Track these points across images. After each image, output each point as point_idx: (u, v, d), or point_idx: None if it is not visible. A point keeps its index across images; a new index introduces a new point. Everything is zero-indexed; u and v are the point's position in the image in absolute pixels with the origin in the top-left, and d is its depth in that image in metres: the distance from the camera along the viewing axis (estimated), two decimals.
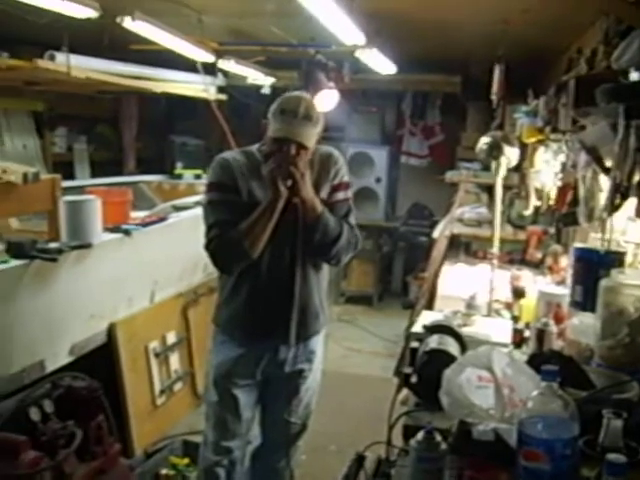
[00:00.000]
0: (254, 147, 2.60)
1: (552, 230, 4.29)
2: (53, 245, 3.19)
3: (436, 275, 4.72)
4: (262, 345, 2.60)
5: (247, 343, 2.60)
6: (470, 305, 3.14)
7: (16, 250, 3.01)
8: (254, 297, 2.54)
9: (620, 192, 2.08)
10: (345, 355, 5.82)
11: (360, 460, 2.03)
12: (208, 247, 2.47)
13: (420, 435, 1.53)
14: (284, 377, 2.66)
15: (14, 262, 2.98)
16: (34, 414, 2.59)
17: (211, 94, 5.94)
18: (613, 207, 2.16)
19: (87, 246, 3.36)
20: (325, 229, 2.46)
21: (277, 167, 2.36)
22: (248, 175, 2.50)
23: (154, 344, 4.05)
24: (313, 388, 2.77)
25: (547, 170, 4.04)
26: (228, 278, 2.60)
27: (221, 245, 2.44)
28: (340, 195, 2.60)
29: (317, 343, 2.72)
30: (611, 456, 1.14)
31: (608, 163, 2.23)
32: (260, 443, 2.84)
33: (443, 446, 1.52)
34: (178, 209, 4.73)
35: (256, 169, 2.49)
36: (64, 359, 3.33)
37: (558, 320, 2.50)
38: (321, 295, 2.67)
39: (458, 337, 2.16)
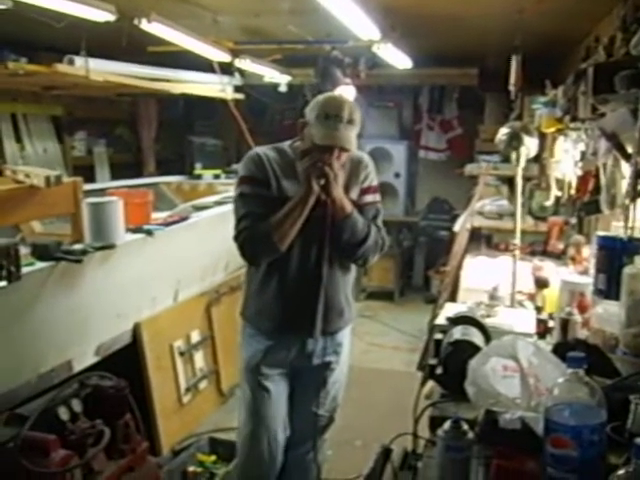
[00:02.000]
0: (286, 144, 2.65)
1: (573, 220, 4.27)
2: (77, 247, 3.22)
3: (458, 268, 4.71)
4: (289, 338, 2.65)
5: (275, 336, 2.66)
6: (493, 296, 3.12)
7: (41, 252, 3.05)
8: (282, 291, 2.60)
9: None
10: (367, 350, 5.82)
11: (387, 453, 2.04)
12: (237, 238, 2.54)
13: (447, 424, 1.53)
14: (312, 369, 2.71)
15: (40, 264, 3.01)
16: (63, 413, 2.62)
17: (228, 94, 5.96)
18: (635, 193, 2.14)
19: (111, 247, 3.40)
20: (353, 229, 2.53)
21: (312, 165, 2.41)
22: (279, 171, 2.55)
23: (178, 343, 4.08)
24: (340, 381, 2.83)
25: (567, 159, 4.01)
26: (256, 272, 2.65)
27: (250, 237, 2.49)
28: (369, 198, 2.67)
29: (344, 337, 2.77)
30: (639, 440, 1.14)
31: (629, 149, 2.22)
32: (288, 435, 2.85)
33: (470, 435, 1.53)
34: (198, 209, 4.77)
35: (287, 165, 2.56)
36: (91, 359, 3.37)
37: (582, 309, 2.49)
38: (347, 293, 2.74)
39: (482, 328, 2.15)
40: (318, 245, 2.56)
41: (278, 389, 2.72)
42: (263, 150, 2.60)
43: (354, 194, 2.62)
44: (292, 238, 2.49)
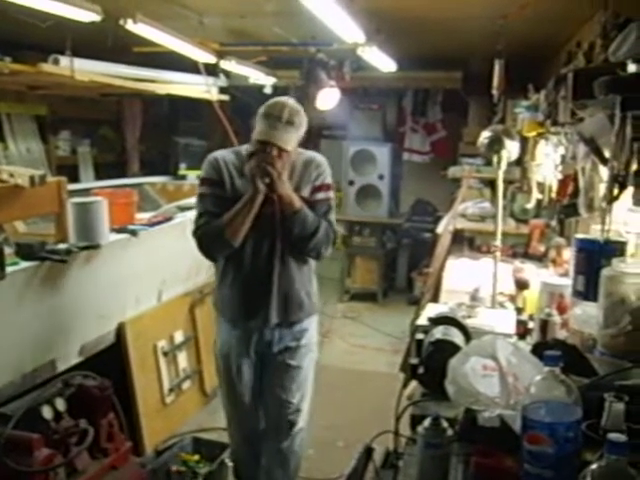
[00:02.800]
0: (244, 147, 2.87)
1: (554, 223, 4.31)
2: (62, 246, 3.23)
3: (441, 270, 4.75)
4: (248, 327, 2.87)
5: (237, 324, 2.91)
6: (474, 297, 3.16)
7: (26, 252, 3.05)
8: (238, 283, 2.84)
9: (618, 182, 2.11)
10: (350, 352, 5.85)
11: (368, 452, 2.07)
12: (195, 234, 2.78)
13: (427, 422, 1.56)
14: (274, 356, 2.92)
15: (24, 264, 3.01)
16: (47, 412, 2.63)
17: (213, 95, 5.96)
18: (612, 197, 2.19)
19: (95, 247, 3.40)
20: (303, 224, 2.72)
21: (257, 166, 2.63)
22: (234, 172, 2.79)
23: (162, 343, 4.09)
24: (305, 368, 2.98)
25: (548, 163, 4.06)
26: (218, 265, 2.92)
27: (205, 233, 2.74)
28: (321, 195, 2.85)
29: (306, 327, 2.96)
30: (612, 435, 1.16)
31: (606, 154, 2.26)
32: (264, 426, 3.05)
33: (449, 432, 1.56)
34: (183, 209, 4.77)
35: (242, 167, 2.78)
36: (74, 359, 3.37)
37: (561, 310, 2.53)
38: (306, 286, 2.92)
39: (463, 328, 2.18)
40: (270, 240, 2.78)
41: (246, 375, 2.94)
42: (221, 153, 2.86)
43: (306, 192, 2.81)
44: (244, 234, 2.71)
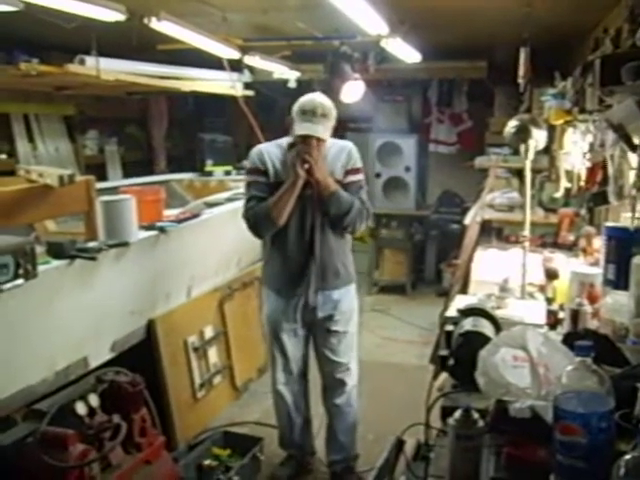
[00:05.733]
0: (284, 139, 3.29)
1: (584, 212, 4.26)
2: (92, 244, 3.26)
3: (469, 261, 4.71)
4: (294, 294, 3.31)
5: (282, 294, 3.35)
6: (503, 288, 3.13)
7: (56, 251, 3.08)
8: (283, 256, 3.28)
9: None
10: (380, 344, 5.84)
11: (399, 444, 2.07)
12: (245, 215, 3.23)
13: (457, 413, 1.56)
14: (319, 321, 3.36)
15: (55, 262, 3.05)
16: (80, 408, 2.66)
17: (238, 90, 5.99)
18: None
19: (124, 244, 3.43)
20: (338, 203, 3.14)
21: (297, 155, 3.10)
22: (276, 161, 3.23)
23: (192, 338, 4.12)
24: (349, 333, 3.43)
25: (576, 151, 4.02)
26: (266, 244, 3.37)
27: (254, 215, 3.18)
28: (352, 177, 3.27)
29: (343, 295, 3.37)
30: None
31: (635, 140, 2.23)
32: (322, 385, 3.55)
33: (480, 423, 1.55)
34: (210, 205, 4.79)
35: (283, 156, 3.24)
36: (106, 355, 3.41)
37: (592, 300, 2.50)
38: (342, 258, 3.35)
39: (492, 319, 2.17)
40: (310, 218, 3.22)
41: (292, 341, 3.41)
42: (265, 146, 3.33)
43: (339, 175, 3.23)
44: (288, 213, 3.14)
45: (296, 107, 3.12)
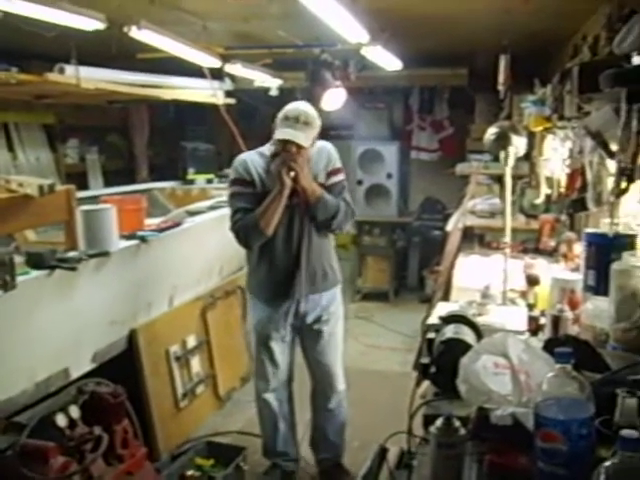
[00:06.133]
0: (265, 147, 3.27)
1: (564, 218, 4.29)
2: (72, 254, 3.24)
3: (451, 268, 4.73)
4: (283, 303, 3.29)
5: (271, 303, 3.33)
6: (485, 295, 3.15)
7: (36, 261, 3.06)
8: (273, 266, 3.26)
9: (626, 175, 2.10)
10: (363, 352, 5.83)
11: (383, 453, 2.06)
12: (233, 228, 3.19)
13: (439, 422, 1.56)
14: (309, 326, 3.37)
15: (35, 273, 3.02)
16: (61, 420, 2.64)
17: (219, 99, 5.98)
18: (620, 190, 2.17)
19: (105, 254, 3.41)
20: (325, 207, 3.16)
21: (282, 164, 3.06)
22: (261, 170, 3.20)
23: (174, 348, 4.10)
24: (335, 334, 3.47)
25: (556, 158, 4.04)
26: (252, 253, 3.32)
27: (242, 227, 3.15)
28: (334, 179, 3.29)
29: (331, 297, 3.40)
30: (624, 432, 1.15)
31: (613, 147, 2.25)
32: (312, 387, 3.59)
33: (462, 431, 1.55)
34: (192, 214, 4.78)
35: (267, 165, 3.20)
36: (87, 366, 3.38)
37: (573, 306, 2.52)
38: (329, 259, 3.38)
39: (474, 326, 2.17)
40: (299, 225, 3.21)
41: (280, 347, 3.40)
42: (248, 155, 3.28)
43: (321, 178, 3.24)
44: (276, 223, 3.12)
45: (280, 114, 3.11)
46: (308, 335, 3.43)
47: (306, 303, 3.30)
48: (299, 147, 3.03)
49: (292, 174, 3.04)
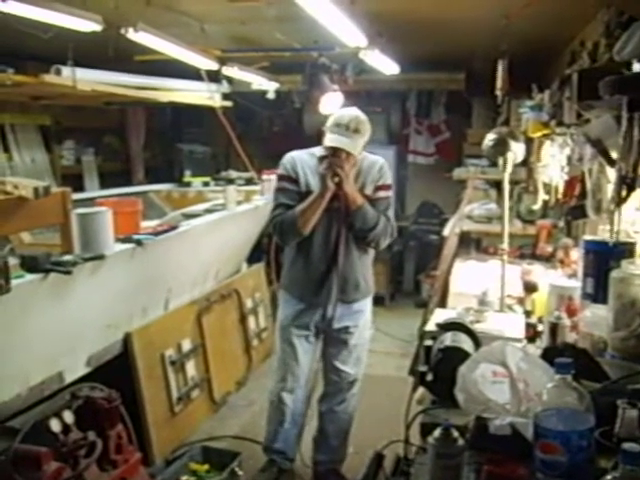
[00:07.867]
0: (317, 148, 3.30)
1: (562, 224, 4.29)
2: (67, 258, 3.20)
3: (448, 273, 4.73)
4: (313, 304, 3.34)
5: (303, 299, 3.37)
6: (482, 301, 3.14)
7: (30, 264, 3.02)
8: (307, 266, 3.31)
9: (626, 184, 2.09)
10: None
11: (379, 459, 2.05)
12: (272, 223, 3.28)
13: (437, 432, 1.54)
14: (334, 332, 3.39)
15: (29, 276, 2.99)
16: (55, 425, 2.62)
17: (216, 101, 5.97)
18: (620, 199, 2.16)
19: (100, 257, 3.38)
20: (364, 218, 3.17)
21: (328, 168, 3.10)
22: (308, 170, 3.25)
23: (170, 352, 4.07)
24: (361, 344, 3.50)
25: (554, 164, 4.04)
26: (289, 251, 3.40)
27: (280, 222, 3.22)
28: (381, 194, 3.29)
29: (362, 307, 3.43)
30: (626, 445, 1.14)
31: (613, 155, 2.24)
32: (323, 391, 3.60)
33: (460, 442, 1.54)
34: (188, 217, 4.76)
35: (315, 166, 3.24)
36: (82, 370, 3.36)
37: (571, 313, 2.50)
38: (363, 271, 3.38)
39: (471, 334, 2.17)
40: (336, 231, 3.24)
41: (303, 347, 3.42)
42: (298, 153, 3.33)
43: (369, 190, 3.25)
44: (313, 224, 3.17)
45: (330, 119, 3.16)
46: (332, 342, 3.46)
47: (334, 309, 3.31)
48: (347, 154, 3.08)
49: (336, 179, 3.08)
